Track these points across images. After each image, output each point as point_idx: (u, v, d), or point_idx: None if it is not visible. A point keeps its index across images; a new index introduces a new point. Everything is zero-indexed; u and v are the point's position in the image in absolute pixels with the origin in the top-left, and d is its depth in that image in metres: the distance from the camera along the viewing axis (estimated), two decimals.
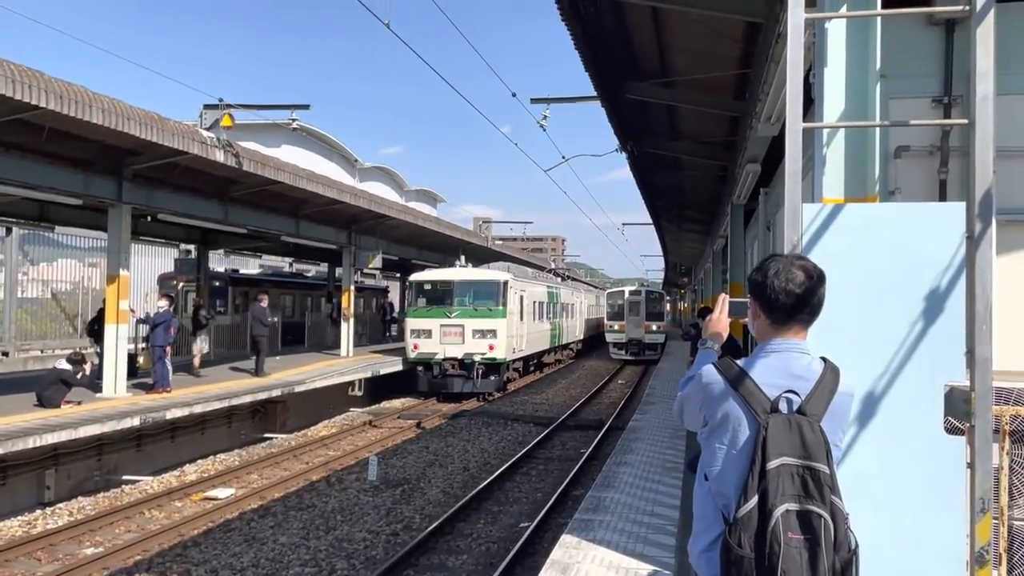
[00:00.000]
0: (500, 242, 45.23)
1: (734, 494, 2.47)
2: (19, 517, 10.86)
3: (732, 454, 2.54)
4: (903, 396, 3.03)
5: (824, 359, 2.60)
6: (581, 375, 32.99)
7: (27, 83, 10.31)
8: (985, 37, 2.92)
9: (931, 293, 2.99)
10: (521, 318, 26.04)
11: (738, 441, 2.53)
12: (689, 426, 2.83)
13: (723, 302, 3.05)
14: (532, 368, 30.42)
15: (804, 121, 3.84)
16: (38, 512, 11.16)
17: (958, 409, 2.99)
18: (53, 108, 10.75)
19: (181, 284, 26.12)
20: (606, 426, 18.40)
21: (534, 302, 28.61)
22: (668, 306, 50.20)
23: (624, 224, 51.75)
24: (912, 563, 3.05)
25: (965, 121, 2.93)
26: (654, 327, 36.83)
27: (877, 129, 3.67)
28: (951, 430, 3.26)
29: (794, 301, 2.55)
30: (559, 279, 40.04)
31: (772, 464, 2.39)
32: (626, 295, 37.83)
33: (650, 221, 30.33)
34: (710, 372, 2.64)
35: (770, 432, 2.42)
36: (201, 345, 19.02)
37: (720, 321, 3.00)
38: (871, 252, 3.10)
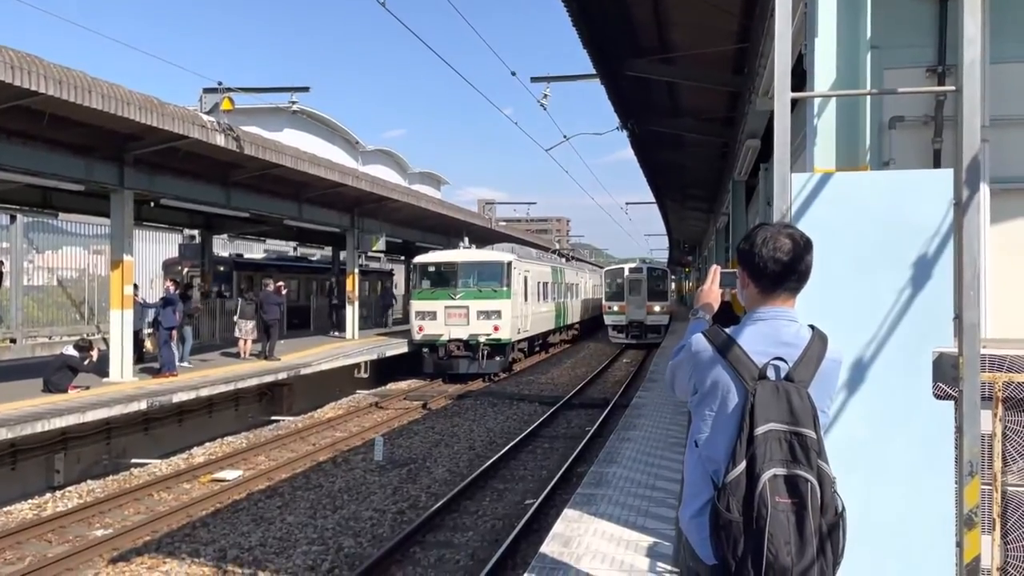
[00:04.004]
0: (504, 223, 45.21)
1: (723, 460, 2.51)
2: (29, 500, 11.00)
3: (721, 420, 2.58)
4: (892, 362, 3.06)
5: (812, 326, 2.63)
6: (586, 355, 33.06)
7: (26, 69, 10.33)
8: (973, 2, 2.92)
9: (919, 260, 3.01)
10: (525, 299, 26.09)
11: (727, 408, 2.57)
12: (680, 394, 2.86)
13: (714, 273, 3.09)
14: (537, 348, 30.50)
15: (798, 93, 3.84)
16: (48, 495, 11.29)
17: (947, 375, 3.02)
18: (52, 94, 10.78)
19: (186, 269, 26.22)
20: (611, 404, 18.48)
21: (538, 283, 28.63)
22: (673, 285, 48.26)
23: (628, 203, 50.79)
24: (902, 526, 3.09)
25: (953, 88, 2.93)
26: (657, 308, 33.60)
27: (868, 99, 3.67)
28: (943, 396, 3.29)
29: (781, 269, 2.58)
30: (563, 259, 39.91)
31: (760, 430, 2.43)
32: (626, 273, 34.54)
33: (653, 200, 30.22)
34: (699, 340, 2.67)
35: (758, 398, 2.46)
36: (249, 333, 18.88)
37: (711, 292, 3.04)
38: (860, 220, 3.12)
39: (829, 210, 3.11)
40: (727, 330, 2.65)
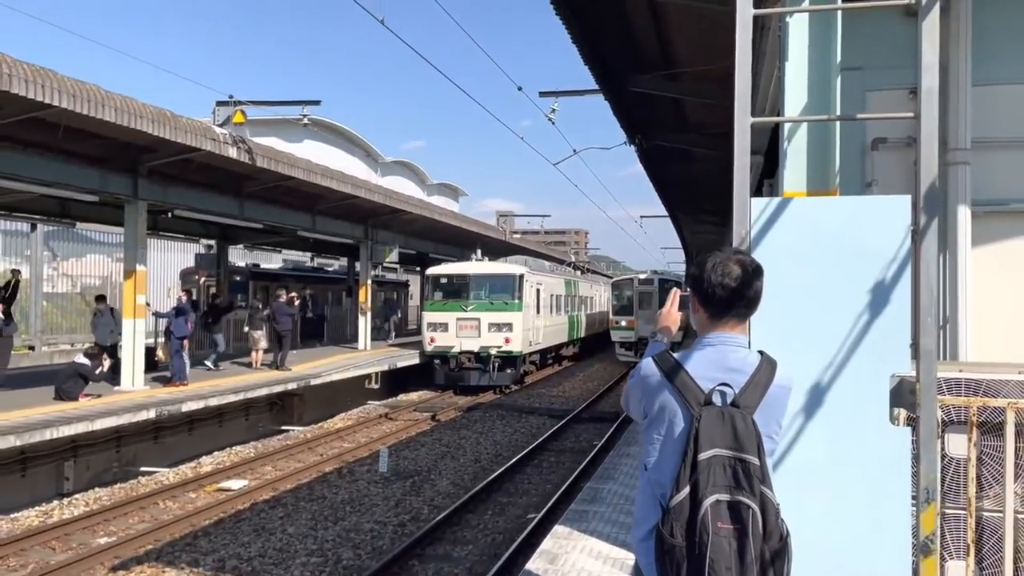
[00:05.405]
0: (519, 235, 45.28)
1: (669, 484, 2.53)
2: (37, 507, 11.14)
3: (668, 445, 2.59)
4: (850, 387, 3.05)
5: (761, 352, 2.64)
6: (600, 368, 32.96)
7: (40, 82, 10.55)
8: (931, 31, 2.93)
9: (877, 286, 3.01)
10: (538, 311, 26.10)
11: (674, 432, 2.58)
12: (634, 417, 2.89)
13: (674, 296, 3.11)
14: (550, 361, 30.46)
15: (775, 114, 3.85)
16: (56, 503, 11.44)
17: (906, 400, 3.02)
18: (66, 107, 10.99)
19: (202, 279, 26.50)
20: (621, 417, 18.42)
21: (551, 295, 28.64)
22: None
23: (642, 216, 50.69)
24: (861, 552, 3.08)
25: (911, 114, 2.94)
26: None
27: (839, 123, 3.69)
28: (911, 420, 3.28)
29: (729, 294, 2.59)
30: (578, 272, 39.80)
31: (704, 455, 2.44)
32: (636, 284, 32.17)
33: (666, 214, 30.08)
34: (648, 365, 2.69)
35: (703, 424, 2.47)
36: (262, 342, 19.30)
37: (670, 315, 3.06)
38: (820, 245, 3.12)
39: (789, 235, 3.12)
40: (675, 355, 2.67)
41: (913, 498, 2.98)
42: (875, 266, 3.03)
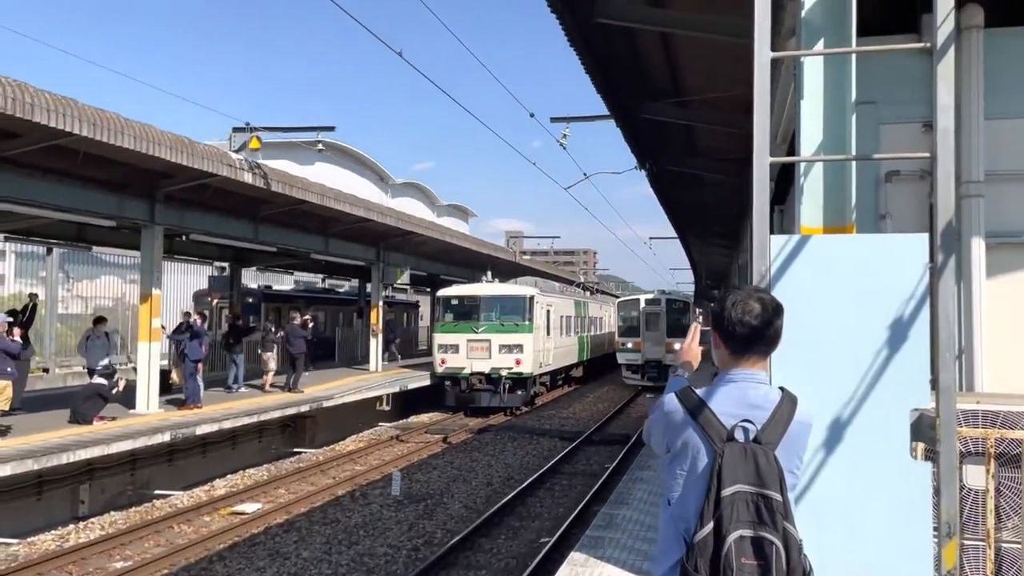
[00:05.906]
0: (528, 256, 45.33)
1: (693, 519, 2.58)
2: (53, 531, 11.19)
3: (691, 481, 2.64)
4: (870, 422, 3.10)
5: (782, 389, 2.70)
6: (610, 389, 32.89)
7: (61, 111, 10.73)
8: (946, 72, 3.01)
9: (896, 322, 3.06)
10: (548, 332, 26.14)
11: (697, 468, 2.63)
12: (656, 451, 2.94)
13: (694, 331, 3.18)
14: (560, 382, 30.43)
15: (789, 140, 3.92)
16: (71, 526, 11.49)
17: (926, 434, 3.06)
18: (86, 134, 11.16)
19: (215, 301, 26.67)
20: (632, 440, 18.40)
21: (561, 316, 28.67)
22: (701, 319, 46.34)
23: (651, 238, 50.76)
24: None
25: (927, 154, 3.01)
26: (678, 345, 31.18)
27: (854, 161, 3.76)
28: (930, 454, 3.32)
29: (750, 332, 2.65)
30: (587, 293, 39.81)
31: (727, 491, 2.49)
32: (642, 305, 30.85)
33: (676, 236, 30.11)
34: (671, 401, 2.75)
35: (725, 460, 2.52)
36: (271, 364, 19.45)
37: (690, 349, 3.12)
38: (838, 282, 3.18)
39: (807, 272, 3.18)
40: (698, 391, 2.73)
41: (934, 531, 3.01)
42: (893, 302, 3.09)
